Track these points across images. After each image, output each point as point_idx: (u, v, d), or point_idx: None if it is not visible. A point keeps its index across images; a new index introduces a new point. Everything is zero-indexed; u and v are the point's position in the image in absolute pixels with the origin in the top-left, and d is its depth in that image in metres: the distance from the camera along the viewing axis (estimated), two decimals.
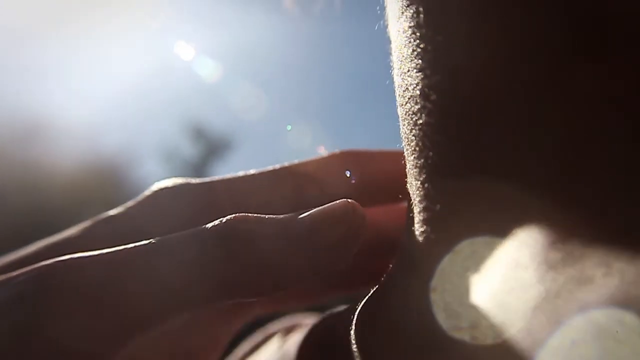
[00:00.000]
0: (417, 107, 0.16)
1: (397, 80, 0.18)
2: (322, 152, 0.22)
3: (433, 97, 0.16)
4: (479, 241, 0.15)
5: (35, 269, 0.16)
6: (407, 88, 0.17)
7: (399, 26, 0.17)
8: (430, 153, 0.16)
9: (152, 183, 0.21)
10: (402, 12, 0.17)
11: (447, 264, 0.15)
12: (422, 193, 0.17)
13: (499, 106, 0.15)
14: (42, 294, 0.15)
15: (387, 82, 0.20)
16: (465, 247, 0.15)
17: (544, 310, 0.12)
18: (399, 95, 0.18)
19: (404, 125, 0.18)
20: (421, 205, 0.17)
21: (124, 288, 0.15)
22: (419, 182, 0.17)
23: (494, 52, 0.15)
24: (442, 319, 0.14)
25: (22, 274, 0.16)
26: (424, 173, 0.17)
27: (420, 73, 0.16)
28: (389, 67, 0.19)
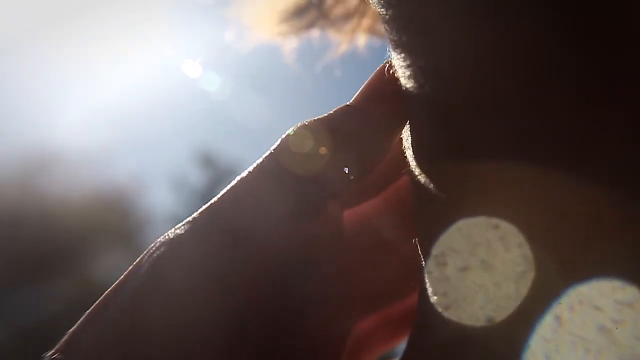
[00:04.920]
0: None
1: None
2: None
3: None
4: (490, 255, 0.14)
5: None
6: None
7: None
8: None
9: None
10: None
11: (457, 280, 0.14)
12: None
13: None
14: None
15: None
16: (475, 263, 0.14)
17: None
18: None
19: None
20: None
21: None
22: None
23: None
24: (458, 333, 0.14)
25: None
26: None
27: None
28: None
